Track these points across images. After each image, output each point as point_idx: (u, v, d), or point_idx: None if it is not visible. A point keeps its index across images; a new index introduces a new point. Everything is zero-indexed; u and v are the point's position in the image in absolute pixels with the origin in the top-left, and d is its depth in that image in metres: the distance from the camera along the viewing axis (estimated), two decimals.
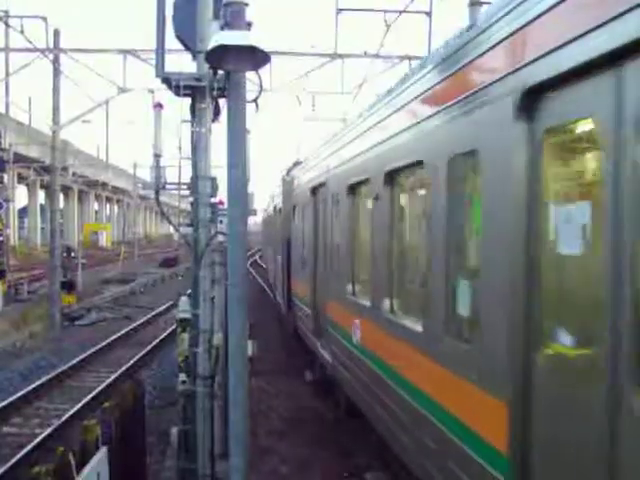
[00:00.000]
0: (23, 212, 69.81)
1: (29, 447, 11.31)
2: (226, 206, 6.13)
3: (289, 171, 18.69)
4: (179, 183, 11.21)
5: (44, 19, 24.42)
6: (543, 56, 3.97)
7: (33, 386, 15.03)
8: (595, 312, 3.65)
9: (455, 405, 5.40)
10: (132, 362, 18.00)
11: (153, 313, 27.32)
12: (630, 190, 3.33)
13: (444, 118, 5.70)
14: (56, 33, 23.71)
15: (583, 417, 3.72)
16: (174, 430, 9.15)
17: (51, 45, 23.64)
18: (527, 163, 4.29)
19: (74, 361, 17.73)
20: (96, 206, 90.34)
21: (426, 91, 6.26)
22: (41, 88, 34.55)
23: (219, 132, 8.26)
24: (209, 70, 6.69)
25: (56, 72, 24.17)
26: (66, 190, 65.95)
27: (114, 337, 21.49)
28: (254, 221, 51.71)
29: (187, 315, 8.99)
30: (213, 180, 8.70)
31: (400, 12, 19.45)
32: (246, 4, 5.12)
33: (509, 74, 4.44)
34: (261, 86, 5.57)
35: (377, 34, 49.00)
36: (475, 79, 5.12)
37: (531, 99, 4.19)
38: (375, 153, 8.02)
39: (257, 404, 12.43)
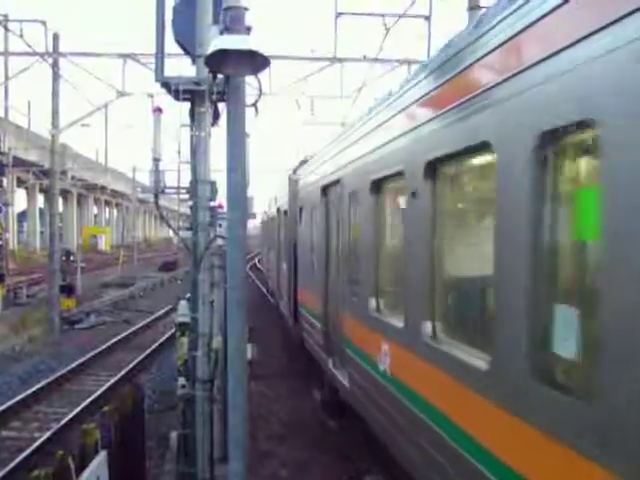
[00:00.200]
0: (22, 216, 69.78)
1: (28, 451, 11.30)
2: (225, 210, 6.15)
3: (296, 170, 17.15)
4: (178, 187, 11.21)
5: (43, 23, 24.45)
6: None
7: (32, 390, 15.02)
8: None
9: None
10: (131, 366, 17.99)
11: (152, 317, 27.31)
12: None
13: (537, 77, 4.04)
14: (55, 37, 23.73)
15: None
16: (173, 434, 9.15)
17: (50, 49, 23.65)
18: None
19: (73, 365, 17.72)
20: (95, 210, 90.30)
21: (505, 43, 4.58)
22: (40, 92, 34.59)
23: (218, 136, 8.28)
24: (209, 74, 6.70)
25: (55, 76, 24.19)
26: (65, 194, 65.95)
27: (113, 341, 21.48)
28: (253, 224, 51.65)
29: (186, 319, 8.99)
30: (212, 184, 8.71)
31: (399, 16, 19.49)
32: (246, 8, 5.13)
33: None
34: (260, 90, 5.58)
35: (376, 38, 49.11)
36: None
37: None
38: (412, 139, 6.45)
39: (257, 408, 12.43)
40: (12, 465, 10.63)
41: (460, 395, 5.18)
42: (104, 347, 20.38)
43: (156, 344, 21.13)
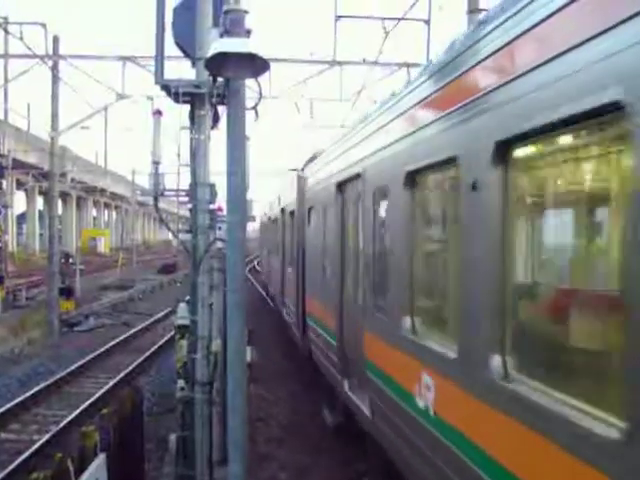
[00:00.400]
0: (22, 218, 69.77)
1: (27, 453, 11.28)
2: (225, 213, 6.16)
3: (304, 167, 15.55)
4: (178, 190, 11.23)
5: (43, 26, 24.45)
6: None
7: (31, 392, 15.01)
8: None
9: None
10: (130, 368, 17.98)
11: (151, 319, 27.30)
12: None
13: None
14: (55, 40, 23.76)
15: None
16: (172, 436, 9.16)
17: (50, 52, 23.66)
18: None
19: (72, 367, 17.71)
20: (94, 212, 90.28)
21: None
22: (40, 94, 34.62)
23: (218, 139, 8.29)
24: (209, 77, 6.71)
25: (55, 79, 24.20)
26: (64, 196, 65.93)
27: (112, 343, 21.47)
28: (252, 227, 51.68)
29: (186, 321, 9.00)
30: (212, 187, 8.73)
31: (399, 20, 19.52)
32: (246, 12, 5.15)
33: None
34: (261, 93, 5.59)
35: (376, 41, 49.17)
36: None
37: None
38: (474, 113, 4.84)
39: (256, 411, 12.43)
40: (11, 467, 10.62)
41: (545, 455, 3.73)
42: (103, 350, 20.37)
43: (155, 347, 21.12)
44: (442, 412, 5.51)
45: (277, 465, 10.19)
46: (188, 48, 8.64)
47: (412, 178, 6.46)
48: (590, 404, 3.45)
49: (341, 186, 10.07)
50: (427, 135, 5.93)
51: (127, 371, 17.62)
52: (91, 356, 19.32)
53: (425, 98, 6.08)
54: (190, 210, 8.92)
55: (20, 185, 58.96)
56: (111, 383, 16.21)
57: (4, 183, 37.21)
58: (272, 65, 5.59)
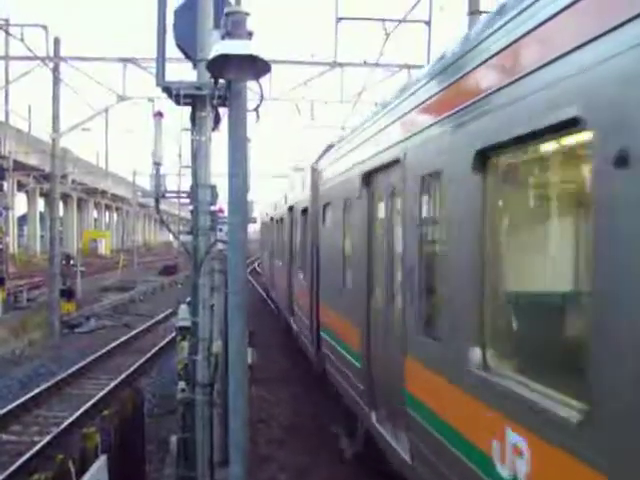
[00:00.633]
0: (23, 220, 69.85)
1: (28, 455, 11.28)
2: (226, 214, 6.17)
3: (319, 159, 13.71)
4: (179, 191, 11.22)
5: (44, 27, 24.54)
6: None
7: (32, 394, 15.00)
8: None
9: None
10: (131, 370, 17.97)
11: (152, 321, 27.29)
12: None
13: None
14: (56, 41, 23.79)
15: None
16: (173, 438, 9.17)
17: (51, 53, 23.72)
18: None
19: (73, 369, 17.70)
20: (95, 214, 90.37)
21: None
22: (41, 96, 34.65)
23: (219, 140, 8.31)
24: (210, 79, 6.72)
25: (56, 80, 24.23)
26: (65, 198, 66.00)
27: (113, 345, 21.46)
28: (253, 229, 51.73)
29: (187, 323, 9.01)
30: (213, 188, 8.74)
31: (399, 21, 19.53)
32: (247, 14, 5.16)
33: None
34: (262, 95, 5.60)
35: (376, 43, 49.22)
36: None
37: None
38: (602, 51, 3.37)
39: (257, 412, 12.43)
40: (12, 469, 10.61)
41: None
42: (104, 351, 20.36)
43: (156, 348, 21.12)
44: None
45: (277, 466, 10.19)
46: (189, 50, 8.65)
47: (485, 159, 4.83)
48: None
49: (368, 177, 8.51)
50: (522, 92, 4.18)
51: (128, 372, 17.61)
52: (92, 357, 19.32)
53: (514, 43, 4.37)
54: (191, 212, 8.93)
55: (21, 187, 59.02)
56: (112, 384, 16.20)
57: (5, 185, 37.27)
58: (273, 67, 5.60)
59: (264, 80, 5.49)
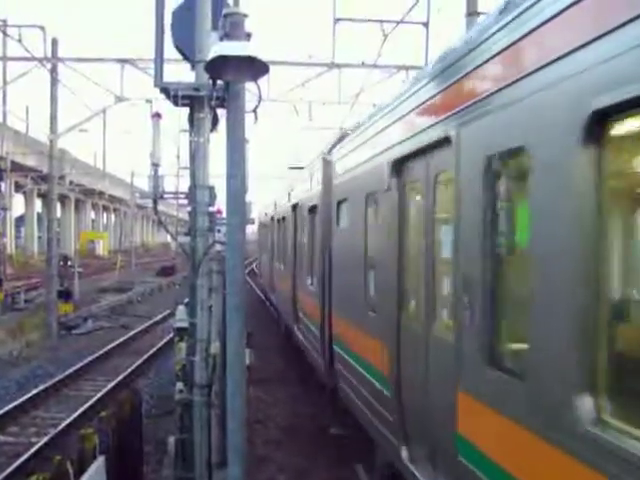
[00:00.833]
0: (20, 221, 69.81)
1: (26, 456, 11.26)
2: (224, 215, 6.17)
3: (331, 149, 12.10)
4: (177, 192, 11.23)
5: (42, 28, 24.48)
6: None
7: (30, 395, 14.98)
8: None
9: None
10: (129, 371, 17.96)
11: (150, 322, 27.28)
12: None
13: None
14: (54, 42, 23.77)
15: None
16: (171, 439, 9.16)
17: (49, 54, 23.69)
18: None
19: (71, 370, 17.68)
20: (93, 215, 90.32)
21: None
22: (39, 97, 34.66)
23: (217, 141, 8.31)
24: (208, 80, 6.73)
25: (54, 81, 24.22)
26: (63, 199, 65.99)
27: (111, 346, 21.45)
28: (251, 230, 51.70)
29: (184, 324, 9.01)
30: (211, 189, 8.74)
31: (397, 22, 19.53)
32: (245, 15, 5.16)
33: None
34: (260, 97, 5.60)
35: (374, 44, 49.27)
36: None
37: None
38: None
39: (255, 413, 12.43)
40: (9, 470, 10.60)
41: None
42: (102, 352, 20.34)
43: (154, 349, 21.11)
44: None
45: (275, 467, 10.20)
46: (187, 51, 8.66)
47: (606, 123, 3.47)
48: None
49: (400, 165, 7.08)
50: None
51: (126, 374, 17.59)
52: (90, 359, 19.29)
53: None
54: (189, 212, 8.93)
55: (19, 188, 58.99)
56: (110, 386, 16.18)
57: (3, 186, 37.26)
58: (271, 68, 5.59)
59: (262, 81, 5.49)
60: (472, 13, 12.94)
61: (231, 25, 5.09)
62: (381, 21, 20.32)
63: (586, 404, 3.47)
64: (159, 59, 8.73)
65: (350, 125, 14.02)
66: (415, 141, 6.38)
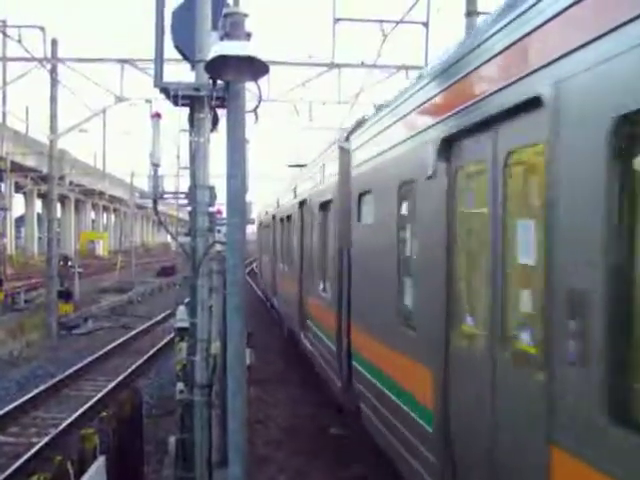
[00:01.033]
0: (20, 221, 69.85)
1: (26, 456, 11.26)
2: (224, 215, 6.17)
3: (349, 134, 10.58)
4: (177, 192, 11.21)
5: (42, 29, 24.47)
6: None
7: (30, 395, 14.99)
8: None
9: None
10: (130, 371, 17.96)
11: (151, 322, 27.29)
12: None
13: None
14: (54, 43, 23.77)
15: None
16: (172, 439, 9.15)
17: (49, 54, 23.69)
18: None
19: (71, 370, 17.68)
20: (93, 215, 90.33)
21: None
22: (38, 97, 34.66)
23: (217, 141, 8.31)
24: (208, 80, 6.72)
25: (53, 82, 24.22)
26: (63, 199, 66.02)
27: (111, 346, 21.45)
28: (251, 230, 51.67)
29: (185, 324, 9.01)
30: (211, 189, 8.74)
31: (397, 22, 19.54)
32: (245, 15, 5.15)
33: None
34: (260, 96, 5.60)
35: (374, 44, 49.25)
36: None
37: None
38: None
39: (255, 413, 12.42)
40: (10, 470, 10.60)
41: None
42: (102, 352, 20.35)
43: (154, 349, 21.11)
44: None
45: (276, 468, 10.19)
46: (187, 51, 8.65)
47: None
48: None
49: (450, 145, 5.67)
50: None
51: (126, 374, 17.59)
52: (90, 359, 19.30)
53: None
54: (189, 213, 8.93)
55: (19, 188, 59.04)
56: (110, 386, 16.18)
57: (2, 186, 37.27)
58: (271, 68, 5.59)
59: (262, 81, 5.49)
60: (472, 13, 12.95)
61: (231, 25, 5.09)
62: (381, 21, 20.34)
63: None
64: (159, 59, 8.73)
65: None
66: (477, 110, 5.00)
